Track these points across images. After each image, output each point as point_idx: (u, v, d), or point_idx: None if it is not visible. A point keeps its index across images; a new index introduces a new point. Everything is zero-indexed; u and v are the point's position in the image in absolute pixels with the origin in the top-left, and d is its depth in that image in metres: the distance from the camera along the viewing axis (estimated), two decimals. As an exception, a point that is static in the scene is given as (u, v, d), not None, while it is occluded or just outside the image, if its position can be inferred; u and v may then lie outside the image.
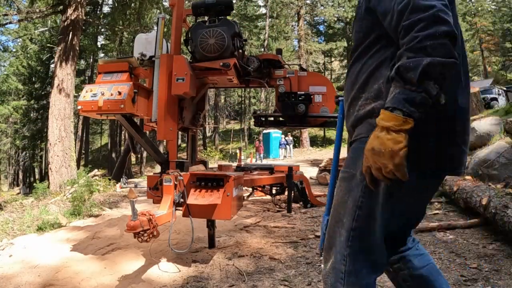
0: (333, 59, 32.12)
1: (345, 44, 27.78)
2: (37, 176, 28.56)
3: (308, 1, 26.54)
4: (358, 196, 1.00)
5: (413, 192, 1.06)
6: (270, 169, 4.40)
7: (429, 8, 0.81)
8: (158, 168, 3.29)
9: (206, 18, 2.97)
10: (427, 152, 0.98)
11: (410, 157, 0.86)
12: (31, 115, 24.90)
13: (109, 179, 8.96)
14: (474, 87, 12.71)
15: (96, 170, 12.13)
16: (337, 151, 1.41)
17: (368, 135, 0.92)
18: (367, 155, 0.88)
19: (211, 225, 3.06)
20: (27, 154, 28.06)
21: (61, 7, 9.35)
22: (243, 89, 25.35)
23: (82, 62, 25.71)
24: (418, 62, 0.79)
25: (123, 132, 26.21)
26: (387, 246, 1.08)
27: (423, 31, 0.80)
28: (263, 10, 31.28)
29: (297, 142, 24.77)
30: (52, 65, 19.28)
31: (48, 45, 21.80)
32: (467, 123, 1.05)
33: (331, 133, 28.68)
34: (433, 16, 0.80)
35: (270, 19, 27.85)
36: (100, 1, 21.99)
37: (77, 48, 9.30)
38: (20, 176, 30.94)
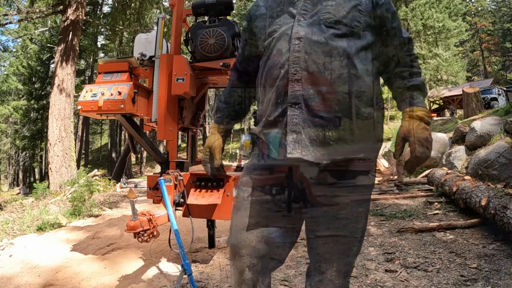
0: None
1: (345, 44, 27.76)
2: (37, 176, 28.55)
3: (308, 1, 26.56)
4: (364, 222, 1.14)
5: None
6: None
7: None
8: (158, 168, 3.29)
9: (206, 18, 2.96)
10: None
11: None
12: (31, 115, 24.86)
13: (109, 179, 8.97)
14: (474, 87, 12.70)
15: (96, 170, 12.17)
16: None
17: (372, 160, 1.07)
18: (425, 145, 0.96)
19: (211, 225, 3.06)
20: (27, 154, 28.04)
21: (61, 7, 9.36)
22: (243, 89, 25.25)
23: (82, 62, 25.66)
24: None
25: (123, 132, 26.22)
26: None
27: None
28: (263, 10, 31.20)
29: (297, 142, 24.69)
30: (52, 65, 19.29)
31: (48, 45, 21.82)
32: None
33: (331, 133, 28.63)
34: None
35: (270, 19, 27.76)
36: (100, 1, 21.99)
37: (77, 48, 9.30)
38: (20, 176, 30.94)
